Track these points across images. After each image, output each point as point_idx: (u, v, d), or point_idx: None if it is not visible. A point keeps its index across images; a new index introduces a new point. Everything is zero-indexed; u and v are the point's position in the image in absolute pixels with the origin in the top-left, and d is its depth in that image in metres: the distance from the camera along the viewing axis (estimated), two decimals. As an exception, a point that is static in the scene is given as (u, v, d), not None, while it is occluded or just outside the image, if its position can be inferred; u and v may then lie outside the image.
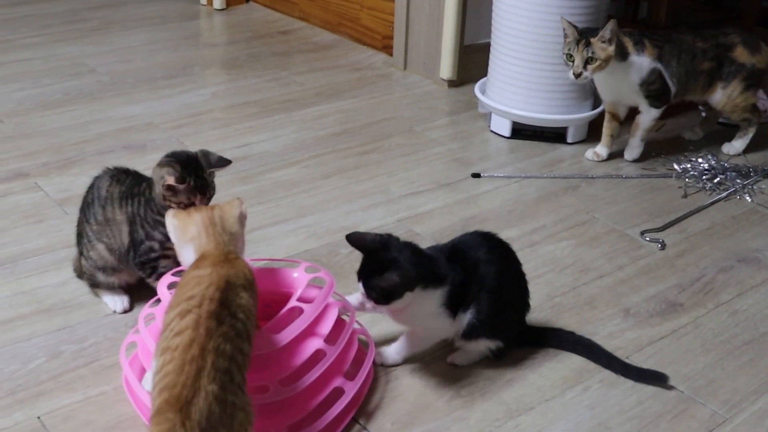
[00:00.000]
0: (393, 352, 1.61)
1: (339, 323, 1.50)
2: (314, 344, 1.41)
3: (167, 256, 1.69)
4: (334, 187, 2.29)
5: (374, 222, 2.11)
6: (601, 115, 2.55)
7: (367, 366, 1.52)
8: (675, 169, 2.47)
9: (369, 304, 1.49)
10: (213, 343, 1.16)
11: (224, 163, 1.68)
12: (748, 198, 2.33)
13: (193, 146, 2.47)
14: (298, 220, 2.12)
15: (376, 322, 1.70)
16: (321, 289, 1.48)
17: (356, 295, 1.52)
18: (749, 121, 2.54)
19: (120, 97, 2.83)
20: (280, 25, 3.69)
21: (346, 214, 2.15)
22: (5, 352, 1.62)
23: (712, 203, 2.29)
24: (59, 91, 2.87)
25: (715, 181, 2.40)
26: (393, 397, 1.54)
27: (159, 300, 1.49)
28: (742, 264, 2.01)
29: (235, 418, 1.14)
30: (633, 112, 2.48)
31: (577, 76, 2.28)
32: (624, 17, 3.42)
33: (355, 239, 1.48)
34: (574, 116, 2.57)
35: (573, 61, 2.27)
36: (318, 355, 1.40)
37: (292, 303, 1.42)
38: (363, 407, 1.51)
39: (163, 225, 1.66)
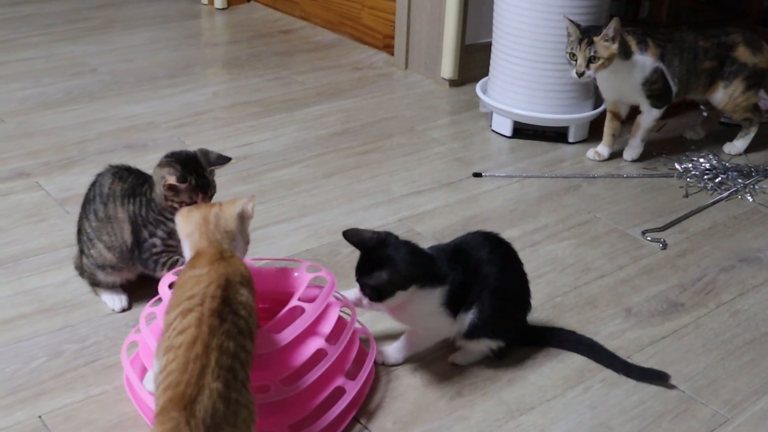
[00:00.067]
0: (394, 351, 1.61)
1: (340, 323, 1.50)
2: (315, 344, 1.41)
3: (169, 251, 1.70)
4: (336, 187, 2.29)
5: (375, 221, 2.11)
6: (603, 114, 2.55)
7: (368, 365, 1.52)
8: (676, 169, 2.47)
9: (365, 301, 1.50)
10: (216, 340, 1.16)
11: (224, 160, 1.68)
12: (749, 198, 2.33)
13: (194, 145, 2.47)
14: (299, 219, 2.12)
15: (378, 321, 1.71)
16: (322, 288, 1.48)
17: (354, 290, 1.54)
18: (751, 121, 2.53)
19: (121, 97, 2.83)
20: (282, 25, 3.69)
21: (348, 213, 2.15)
22: (6, 352, 1.62)
23: (714, 203, 2.29)
24: (61, 90, 2.87)
25: (717, 180, 2.40)
26: (394, 396, 1.54)
27: (160, 299, 1.49)
28: (743, 264, 2.01)
29: (239, 415, 1.14)
30: (634, 111, 2.48)
31: (580, 75, 2.28)
32: (625, 17, 3.42)
33: (351, 236, 1.49)
34: (575, 116, 2.57)
35: (576, 60, 2.27)
36: (319, 355, 1.40)
37: (294, 302, 1.42)
38: (364, 407, 1.51)
39: (165, 224, 1.67)
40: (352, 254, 1.50)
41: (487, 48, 2.72)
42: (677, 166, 2.48)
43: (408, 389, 1.56)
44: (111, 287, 1.75)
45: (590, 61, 2.25)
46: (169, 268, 1.67)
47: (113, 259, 1.71)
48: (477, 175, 2.38)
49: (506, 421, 1.50)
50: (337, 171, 2.38)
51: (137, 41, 3.40)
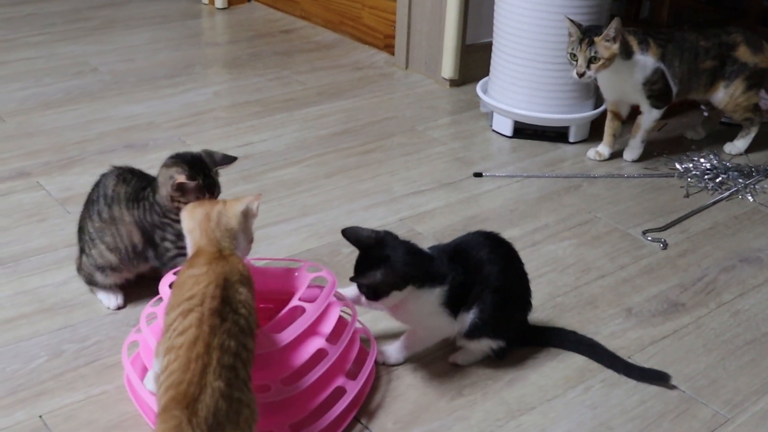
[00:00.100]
0: (395, 351, 1.61)
1: (341, 322, 1.50)
2: (316, 343, 1.41)
3: (183, 253, 1.70)
4: (336, 187, 2.29)
5: (376, 221, 2.11)
6: (603, 114, 2.55)
7: (368, 365, 1.52)
8: (677, 169, 2.47)
9: (363, 299, 1.50)
10: (217, 339, 1.16)
11: (229, 160, 1.69)
12: (750, 198, 2.33)
13: (195, 145, 2.48)
14: (300, 219, 2.12)
15: (378, 321, 1.71)
16: (323, 288, 1.48)
17: (353, 288, 1.54)
18: (751, 121, 2.53)
19: (122, 96, 2.83)
20: (282, 24, 3.69)
21: (348, 213, 2.15)
22: (7, 351, 1.62)
23: (714, 203, 2.29)
24: (61, 90, 2.87)
25: (717, 180, 2.39)
26: (395, 396, 1.54)
27: (161, 299, 1.49)
28: (744, 264, 2.01)
29: (242, 414, 1.14)
30: (635, 111, 2.48)
31: (581, 75, 2.27)
32: (626, 16, 3.41)
33: (350, 234, 1.49)
34: (575, 115, 2.57)
35: (576, 61, 2.27)
36: (320, 355, 1.40)
37: (294, 302, 1.42)
38: (365, 406, 1.51)
39: (171, 226, 1.67)
40: (353, 254, 1.50)
41: (487, 48, 2.72)
42: (678, 166, 2.48)
43: (408, 389, 1.56)
44: (107, 286, 1.75)
45: (591, 61, 2.25)
46: None
47: (114, 261, 1.71)
48: (477, 174, 2.38)
49: (507, 421, 1.50)
50: (337, 171, 2.38)
51: (138, 41, 3.40)
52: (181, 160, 1.64)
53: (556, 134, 2.62)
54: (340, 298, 1.53)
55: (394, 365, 1.61)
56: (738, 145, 2.58)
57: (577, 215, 2.20)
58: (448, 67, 2.97)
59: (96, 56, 3.19)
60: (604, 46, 2.24)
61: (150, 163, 2.35)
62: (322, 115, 2.75)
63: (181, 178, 1.60)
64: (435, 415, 1.51)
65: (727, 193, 2.34)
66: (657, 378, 1.59)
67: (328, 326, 1.44)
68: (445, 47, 2.95)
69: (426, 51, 3.08)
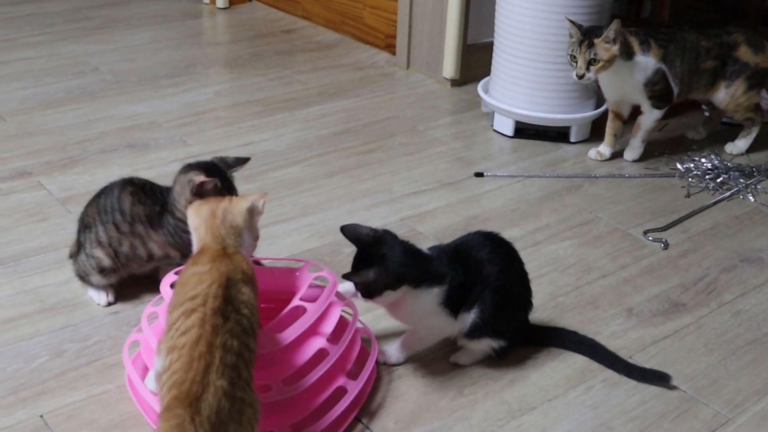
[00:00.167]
0: (395, 350, 1.61)
1: (342, 322, 1.50)
2: (317, 343, 1.41)
3: None
4: (337, 186, 2.29)
5: (377, 221, 2.11)
6: (604, 114, 2.55)
7: (369, 365, 1.52)
8: (678, 169, 2.47)
9: (359, 295, 1.50)
10: (220, 339, 1.16)
11: (242, 161, 1.71)
12: (751, 198, 2.33)
13: (196, 144, 2.48)
14: (301, 218, 2.12)
15: (379, 321, 1.71)
16: (324, 288, 1.48)
17: (349, 282, 1.54)
18: (752, 121, 2.53)
19: (123, 96, 2.83)
20: (283, 24, 3.69)
21: (349, 213, 2.15)
22: (8, 351, 1.62)
23: (715, 203, 2.29)
24: (62, 89, 2.87)
25: (718, 180, 2.39)
26: (396, 396, 1.54)
27: (162, 298, 1.49)
28: (745, 264, 2.01)
29: (244, 414, 1.14)
30: (636, 111, 2.48)
31: (580, 77, 2.28)
32: (627, 17, 3.41)
33: (348, 231, 1.49)
34: (577, 115, 2.57)
35: (576, 62, 2.27)
36: (321, 355, 1.40)
37: (295, 302, 1.42)
38: (366, 406, 1.51)
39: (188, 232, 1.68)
40: (354, 254, 1.50)
41: (488, 48, 2.72)
42: (679, 166, 2.48)
43: (409, 389, 1.56)
44: (101, 286, 1.76)
45: (590, 63, 2.25)
46: None
47: (118, 265, 1.72)
48: (479, 174, 2.38)
49: (507, 420, 1.50)
50: (338, 170, 2.38)
51: (139, 40, 3.40)
52: (196, 165, 1.66)
53: (558, 134, 2.62)
54: (341, 298, 1.53)
55: (394, 365, 1.61)
56: (739, 145, 2.58)
57: (578, 215, 2.20)
58: (449, 67, 2.97)
59: (97, 56, 3.19)
60: (604, 48, 2.24)
61: (151, 163, 2.36)
62: (323, 115, 2.75)
63: (201, 177, 1.61)
64: (436, 414, 1.51)
65: (728, 193, 2.33)
66: (658, 378, 1.59)
67: (329, 326, 1.44)
68: (446, 47, 2.95)
69: (427, 51, 3.08)
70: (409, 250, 1.50)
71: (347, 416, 1.45)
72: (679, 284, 1.92)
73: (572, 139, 2.61)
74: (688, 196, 2.33)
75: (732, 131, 2.64)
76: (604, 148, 2.52)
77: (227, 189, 1.65)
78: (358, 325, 1.58)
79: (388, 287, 1.46)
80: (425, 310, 1.51)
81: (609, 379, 1.61)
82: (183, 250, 1.70)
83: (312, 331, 1.42)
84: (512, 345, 1.62)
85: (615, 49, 2.24)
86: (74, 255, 1.78)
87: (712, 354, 1.69)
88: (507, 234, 1.66)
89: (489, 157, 2.52)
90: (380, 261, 1.45)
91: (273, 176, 2.32)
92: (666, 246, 2.07)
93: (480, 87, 2.74)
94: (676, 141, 2.67)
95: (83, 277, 1.76)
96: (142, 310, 1.54)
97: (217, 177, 1.63)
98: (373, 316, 1.71)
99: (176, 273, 1.51)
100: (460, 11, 2.86)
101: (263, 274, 1.54)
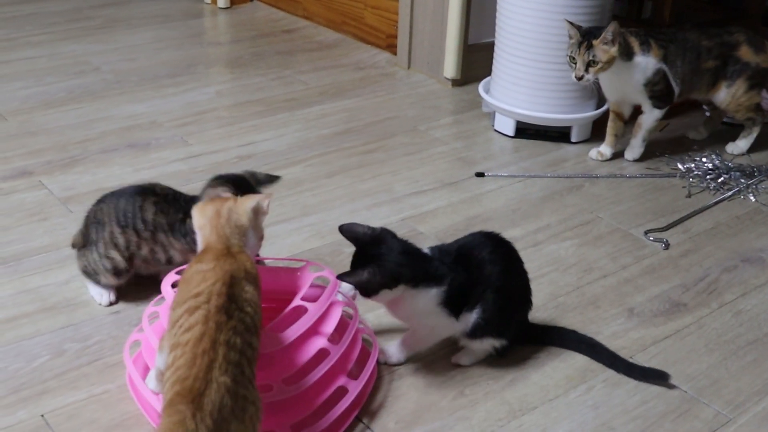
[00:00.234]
0: (396, 350, 1.61)
1: (343, 322, 1.50)
2: (318, 343, 1.41)
3: None
4: (338, 186, 2.29)
5: (378, 221, 2.11)
6: (605, 114, 2.55)
7: (370, 365, 1.52)
8: (679, 169, 2.47)
9: (358, 293, 1.50)
10: (224, 336, 1.17)
11: (272, 179, 1.71)
12: (752, 198, 2.33)
13: (196, 144, 2.48)
14: (301, 218, 2.12)
15: (380, 320, 1.71)
16: (325, 288, 1.48)
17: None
18: (753, 121, 2.53)
19: (124, 96, 2.83)
20: (284, 24, 3.69)
21: (350, 213, 2.15)
22: (9, 351, 1.62)
23: (716, 203, 2.29)
24: (63, 89, 2.87)
25: (719, 180, 2.39)
26: (396, 396, 1.54)
27: (163, 298, 1.49)
28: (746, 264, 2.01)
29: (247, 411, 1.14)
30: (637, 111, 2.48)
31: (580, 78, 2.28)
32: (628, 17, 3.41)
33: (346, 230, 1.49)
34: (578, 115, 2.57)
35: (575, 64, 2.27)
36: (322, 354, 1.40)
37: (296, 302, 1.42)
38: (366, 406, 1.51)
39: None
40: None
41: (489, 48, 2.72)
42: (680, 166, 2.48)
43: (410, 389, 1.56)
44: (106, 286, 1.76)
45: (589, 65, 2.25)
46: None
47: (129, 266, 1.72)
48: (480, 174, 2.38)
49: (508, 420, 1.50)
50: (339, 170, 2.38)
51: (140, 40, 3.40)
52: (225, 179, 1.65)
53: (559, 134, 2.62)
54: (342, 297, 1.53)
55: (395, 365, 1.61)
56: (740, 145, 2.57)
57: (579, 215, 2.20)
58: (450, 67, 2.97)
59: (98, 55, 3.20)
60: (602, 50, 2.24)
61: (152, 163, 2.36)
62: (324, 115, 2.75)
63: (227, 196, 1.60)
64: (437, 414, 1.51)
65: (729, 193, 2.33)
66: (657, 377, 1.59)
67: (330, 326, 1.45)
68: (447, 47, 2.95)
69: (428, 51, 3.08)
70: (407, 249, 1.50)
71: (348, 416, 1.45)
72: (680, 284, 1.92)
73: (573, 139, 2.61)
74: (689, 196, 2.33)
75: (733, 131, 2.64)
76: (605, 148, 2.51)
77: None
78: (359, 325, 1.58)
79: (384, 286, 1.45)
80: (424, 310, 1.51)
81: (610, 378, 1.61)
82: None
83: (313, 330, 1.42)
84: (512, 343, 1.62)
85: (613, 50, 2.24)
86: (80, 246, 1.77)
87: (713, 354, 1.69)
88: (508, 234, 1.66)
89: (490, 157, 2.52)
90: (375, 261, 1.45)
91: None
92: (667, 246, 2.07)
93: (481, 87, 2.74)
94: (677, 141, 2.67)
95: (90, 275, 1.75)
96: (143, 310, 1.54)
97: (245, 194, 1.62)
98: (374, 315, 1.71)
99: (177, 273, 1.51)
100: (461, 11, 2.87)
101: (265, 273, 1.54)
